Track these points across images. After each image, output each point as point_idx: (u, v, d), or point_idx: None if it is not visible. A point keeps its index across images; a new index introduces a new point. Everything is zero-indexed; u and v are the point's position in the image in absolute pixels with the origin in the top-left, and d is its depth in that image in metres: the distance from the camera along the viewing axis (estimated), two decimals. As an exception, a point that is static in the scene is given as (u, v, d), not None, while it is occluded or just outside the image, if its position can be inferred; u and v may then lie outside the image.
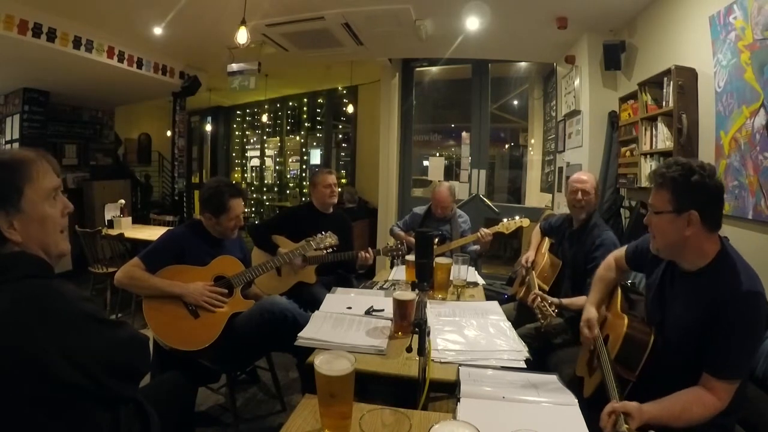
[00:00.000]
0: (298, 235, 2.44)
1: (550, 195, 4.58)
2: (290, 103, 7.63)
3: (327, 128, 7.21)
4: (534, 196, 5.33)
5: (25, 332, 0.76)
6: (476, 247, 2.99)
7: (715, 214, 1.16)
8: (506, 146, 6.42)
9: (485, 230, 2.80)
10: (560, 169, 4.18)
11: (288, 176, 7.94)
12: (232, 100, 7.99)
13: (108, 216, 4.62)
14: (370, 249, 2.60)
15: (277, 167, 8.13)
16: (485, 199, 4.84)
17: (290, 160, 7.99)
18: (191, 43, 4.50)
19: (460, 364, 1.31)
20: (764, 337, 1.32)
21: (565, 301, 1.95)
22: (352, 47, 4.31)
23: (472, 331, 1.56)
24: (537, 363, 1.55)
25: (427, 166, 5.55)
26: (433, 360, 1.30)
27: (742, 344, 1.10)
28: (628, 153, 3.16)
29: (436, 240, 2.28)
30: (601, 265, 1.64)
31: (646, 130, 2.78)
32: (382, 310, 1.71)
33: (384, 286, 2.19)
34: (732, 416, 1.20)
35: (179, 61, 5.22)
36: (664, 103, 2.60)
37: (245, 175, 8.64)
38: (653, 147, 2.70)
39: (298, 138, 7.77)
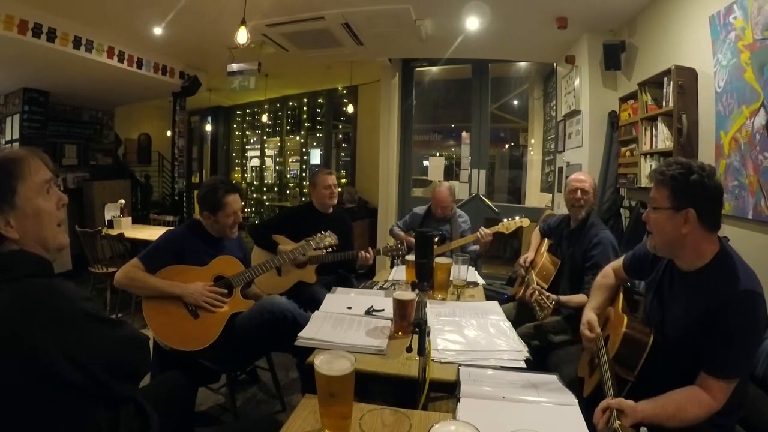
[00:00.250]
0: (299, 235, 2.44)
1: (550, 195, 4.57)
2: (290, 103, 7.63)
3: (327, 128, 7.21)
4: (534, 196, 5.33)
5: (25, 331, 0.76)
6: (476, 247, 2.99)
7: (714, 214, 1.17)
8: (506, 146, 6.42)
9: (485, 230, 2.80)
10: (560, 169, 4.18)
11: (288, 176, 7.94)
12: (232, 100, 7.99)
13: (108, 216, 4.62)
14: (370, 249, 2.60)
15: (277, 167, 8.14)
16: (485, 199, 4.84)
17: (290, 160, 7.99)
18: (191, 43, 4.50)
19: (460, 364, 1.31)
20: (763, 337, 1.32)
21: (564, 298, 1.97)
22: (352, 47, 4.31)
23: (472, 331, 1.56)
24: (537, 363, 1.56)
25: (427, 166, 5.55)
26: (433, 360, 1.30)
27: (741, 345, 1.10)
28: (628, 153, 3.16)
29: (436, 240, 2.28)
30: (599, 274, 1.65)
31: (646, 130, 2.78)
32: (382, 310, 1.71)
33: (384, 286, 2.19)
34: (732, 416, 1.20)
35: (179, 61, 5.22)
36: (664, 103, 2.60)
37: (245, 175, 8.64)
38: (653, 147, 2.70)
39: (298, 138, 7.77)
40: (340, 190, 4.15)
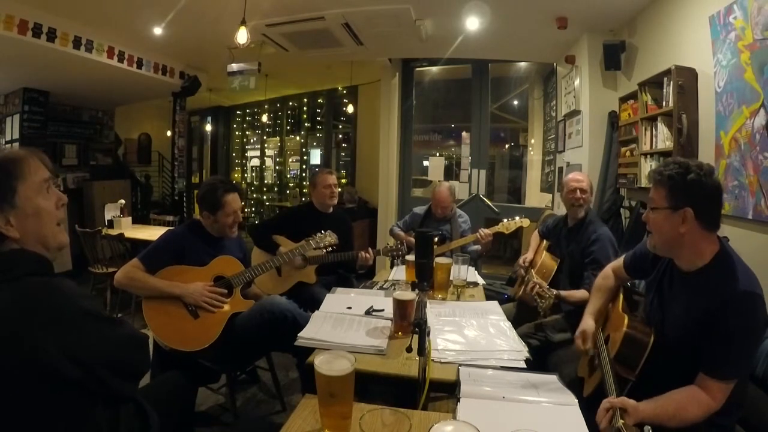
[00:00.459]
0: (299, 235, 2.44)
1: (550, 195, 4.58)
2: (290, 103, 7.63)
3: (327, 128, 7.21)
4: (534, 196, 5.33)
5: (25, 330, 0.76)
6: (477, 247, 2.99)
7: (713, 213, 1.17)
8: (506, 146, 6.42)
9: (485, 230, 2.80)
10: (560, 169, 4.18)
11: (288, 176, 7.95)
12: (232, 100, 7.99)
13: (108, 216, 4.62)
14: (370, 249, 2.60)
15: (277, 167, 8.14)
16: (485, 199, 4.84)
17: (290, 160, 8.00)
18: (191, 43, 4.50)
19: (460, 364, 1.31)
20: (763, 337, 1.32)
21: (564, 293, 1.99)
22: (352, 47, 4.31)
23: (472, 331, 1.56)
24: (537, 363, 1.56)
25: (427, 166, 5.55)
26: (433, 360, 1.30)
27: (740, 346, 1.10)
28: (628, 153, 3.16)
29: (436, 240, 2.28)
30: (599, 275, 1.65)
31: (646, 130, 2.78)
32: (382, 310, 1.71)
33: (384, 286, 2.19)
34: (731, 416, 1.20)
35: (179, 61, 5.22)
36: (664, 103, 2.60)
37: (245, 175, 8.65)
38: (653, 147, 2.70)
39: (298, 138, 7.77)
40: (340, 190, 4.15)
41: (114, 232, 4.01)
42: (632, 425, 1.04)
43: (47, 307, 0.79)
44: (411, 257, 2.24)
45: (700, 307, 1.15)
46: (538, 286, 1.91)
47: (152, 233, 3.95)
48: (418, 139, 5.62)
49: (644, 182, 2.77)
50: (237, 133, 8.68)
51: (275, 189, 8.10)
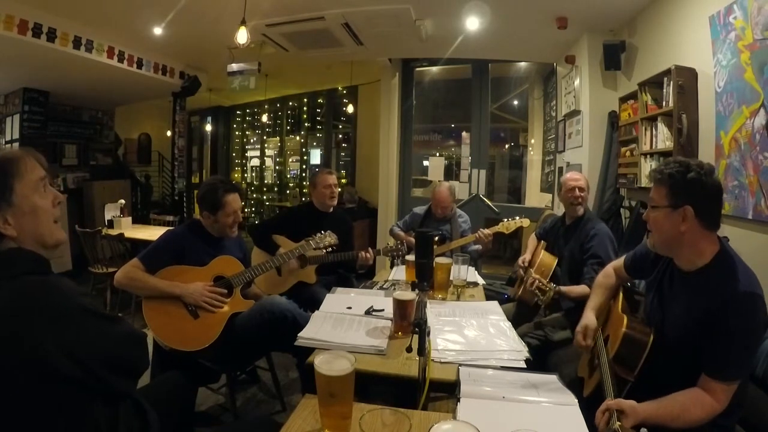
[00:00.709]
0: (299, 235, 2.44)
1: (550, 195, 4.58)
2: (290, 103, 7.63)
3: (327, 128, 7.21)
4: (534, 196, 5.33)
5: (23, 328, 0.76)
6: (477, 246, 2.99)
7: (713, 212, 1.17)
8: (506, 146, 6.42)
9: (485, 231, 2.80)
10: (560, 169, 4.18)
11: (288, 176, 7.95)
12: (232, 100, 7.99)
13: (108, 216, 4.62)
14: (370, 249, 2.60)
15: (277, 167, 8.14)
16: (485, 199, 4.84)
17: (290, 160, 8.00)
18: (191, 43, 4.50)
19: (460, 364, 1.31)
20: (763, 338, 1.32)
21: (564, 288, 2.00)
22: (352, 47, 4.31)
23: (472, 331, 1.56)
24: (537, 363, 1.56)
25: (427, 166, 5.55)
26: (433, 360, 1.30)
27: (741, 346, 1.10)
28: (628, 153, 3.16)
29: (436, 240, 2.28)
30: (600, 273, 1.66)
31: (646, 130, 2.78)
32: (382, 310, 1.71)
33: (384, 286, 2.19)
34: (732, 416, 1.20)
35: (179, 61, 5.22)
36: (664, 103, 2.60)
37: (245, 175, 8.65)
38: (653, 147, 2.70)
39: (298, 138, 7.77)
40: (340, 190, 4.16)
41: (114, 232, 4.01)
42: (630, 427, 1.04)
43: (45, 305, 0.80)
44: (411, 257, 2.24)
45: (701, 307, 1.15)
46: (537, 281, 1.92)
47: (152, 233, 3.95)
48: (418, 139, 5.62)
49: (644, 182, 2.77)
50: (237, 133, 8.68)
51: (275, 189, 8.10)
